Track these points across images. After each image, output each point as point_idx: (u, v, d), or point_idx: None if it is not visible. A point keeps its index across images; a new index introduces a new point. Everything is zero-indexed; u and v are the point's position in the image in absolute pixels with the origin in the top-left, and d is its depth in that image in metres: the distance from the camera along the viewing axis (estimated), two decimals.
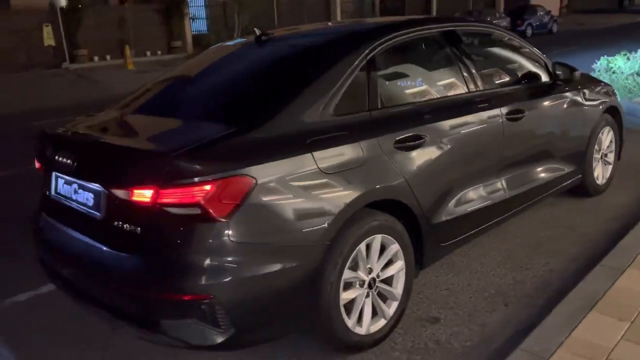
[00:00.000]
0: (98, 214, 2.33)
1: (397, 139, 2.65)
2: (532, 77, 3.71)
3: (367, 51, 2.73)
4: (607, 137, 4.45)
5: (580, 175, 4.17)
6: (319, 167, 2.34)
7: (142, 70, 16.84)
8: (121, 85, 14.81)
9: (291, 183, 2.26)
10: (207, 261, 2.10)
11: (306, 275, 2.30)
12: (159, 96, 3.04)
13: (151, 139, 2.48)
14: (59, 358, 2.77)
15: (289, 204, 2.25)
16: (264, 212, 2.19)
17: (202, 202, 2.07)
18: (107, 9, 19.03)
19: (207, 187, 2.08)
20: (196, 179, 2.07)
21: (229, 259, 2.13)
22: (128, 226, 2.21)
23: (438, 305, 3.03)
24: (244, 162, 2.16)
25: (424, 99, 2.99)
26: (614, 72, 8.59)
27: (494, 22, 23.08)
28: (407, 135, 2.70)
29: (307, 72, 2.58)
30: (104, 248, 2.30)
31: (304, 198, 2.29)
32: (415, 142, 2.72)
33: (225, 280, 2.12)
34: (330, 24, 3.86)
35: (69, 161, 2.46)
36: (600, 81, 4.63)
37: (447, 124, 2.92)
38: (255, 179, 2.15)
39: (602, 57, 9.45)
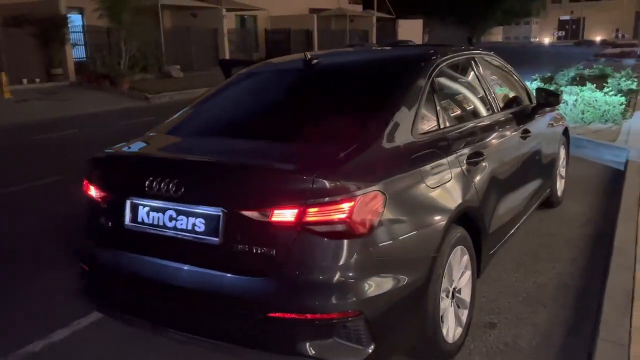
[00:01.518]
0: (216, 239, 2.20)
1: (468, 154, 2.84)
2: (523, 100, 4.14)
3: (429, 74, 2.90)
4: (562, 154, 5.04)
5: (550, 188, 4.68)
6: (425, 182, 2.44)
7: (22, 99, 15.39)
8: (1, 115, 13.43)
9: (408, 197, 2.34)
10: (353, 277, 2.10)
11: (422, 286, 2.37)
12: (229, 118, 2.93)
13: (273, 159, 2.36)
14: None
15: (408, 218, 2.32)
16: (394, 226, 2.24)
17: (347, 218, 2.07)
18: None
19: (351, 204, 2.08)
20: (341, 197, 2.07)
21: (371, 273, 2.14)
22: (260, 249, 2.13)
23: (486, 312, 3.23)
24: (377, 178, 2.20)
25: (474, 118, 3.23)
26: None
27: None
28: (474, 151, 2.90)
29: (394, 94, 2.68)
30: (227, 275, 2.18)
31: (417, 212, 2.38)
32: (478, 158, 2.93)
33: (370, 295, 2.12)
34: (365, 49, 3.99)
35: (165, 186, 2.28)
36: None
37: (494, 141, 3.19)
38: (385, 194, 2.20)
39: None
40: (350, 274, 2.10)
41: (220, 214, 2.20)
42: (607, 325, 2.77)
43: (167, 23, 23.48)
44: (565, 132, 5.04)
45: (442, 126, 2.84)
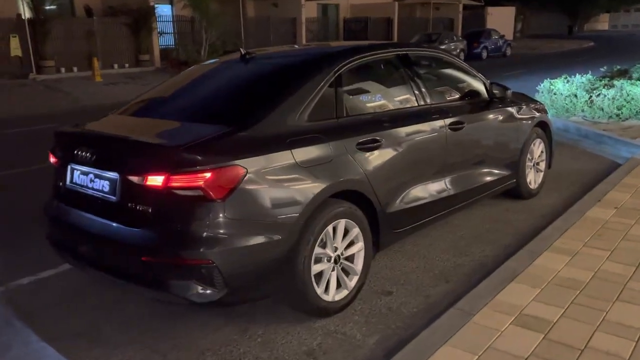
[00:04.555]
0: (113, 197, 2.83)
1: (359, 141, 3.25)
2: (472, 94, 4.39)
3: (334, 69, 3.33)
4: (538, 148, 5.17)
5: (514, 180, 4.86)
6: (296, 162, 2.90)
7: (110, 83, 17.13)
8: (89, 97, 15.07)
9: (274, 173, 2.81)
10: (207, 233, 2.63)
11: (285, 248, 2.84)
12: (160, 102, 3.56)
13: (160, 135, 2.98)
14: (73, 327, 3.22)
15: (272, 190, 2.80)
16: (253, 195, 2.73)
17: (204, 186, 2.60)
18: (75, 21, 19.27)
19: (208, 174, 2.61)
20: (199, 168, 2.61)
21: (225, 232, 2.66)
22: (140, 206, 2.72)
23: (391, 283, 3.62)
24: (237, 155, 2.70)
25: (380, 109, 3.61)
26: (554, 94, 9.50)
27: (452, 44, 24.30)
28: (367, 138, 3.30)
29: (287, 86, 3.15)
30: (119, 226, 2.80)
31: (284, 185, 2.85)
32: (373, 145, 3.32)
33: (222, 248, 2.64)
34: (303, 46, 4.45)
35: (86, 154, 2.95)
36: (533, 99, 5.36)
37: (399, 131, 3.54)
38: (245, 169, 2.70)
39: (545, 80, 10.39)
40: (204, 230, 2.62)
41: (117, 177, 2.81)
42: (471, 297, 3.09)
43: (250, 12, 24.67)
44: (542, 124, 5.15)
45: (338, 115, 3.26)
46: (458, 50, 24.45)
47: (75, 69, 18.41)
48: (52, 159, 3.32)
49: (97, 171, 2.93)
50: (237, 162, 2.69)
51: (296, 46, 4.48)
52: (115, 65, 19.36)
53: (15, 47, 17.09)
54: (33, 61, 17.52)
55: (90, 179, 2.98)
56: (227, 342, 3.00)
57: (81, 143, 3.05)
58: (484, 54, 26.18)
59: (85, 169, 3.01)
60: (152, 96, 3.68)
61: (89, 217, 2.98)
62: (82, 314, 3.35)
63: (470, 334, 2.71)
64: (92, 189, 2.96)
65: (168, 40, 22.01)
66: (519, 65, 21.62)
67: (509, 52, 28.03)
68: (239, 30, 22.54)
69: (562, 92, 9.39)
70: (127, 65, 19.71)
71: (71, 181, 3.12)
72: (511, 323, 2.80)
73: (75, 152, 3.02)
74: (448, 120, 3.94)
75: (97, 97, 15.14)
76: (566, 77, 10.87)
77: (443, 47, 22.99)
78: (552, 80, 10.69)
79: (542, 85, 10.04)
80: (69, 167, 3.13)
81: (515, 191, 4.99)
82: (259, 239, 2.75)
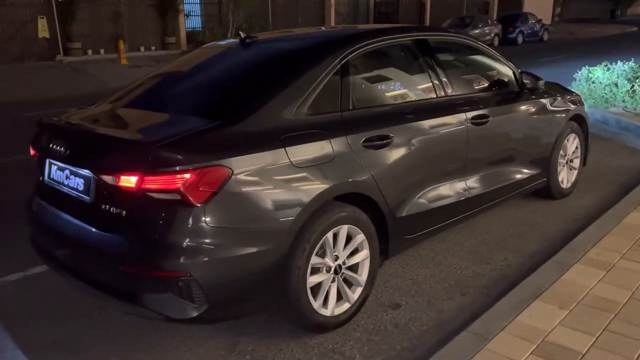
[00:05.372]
0: (87, 198, 2.55)
1: (365, 137, 2.89)
2: (499, 84, 3.96)
3: (340, 57, 2.96)
4: (572, 143, 4.71)
5: (545, 179, 4.44)
6: (291, 161, 2.57)
7: (135, 65, 16.99)
8: (114, 79, 14.97)
9: (265, 174, 2.48)
10: (185, 242, 2.32)
11: (276, 258, 2.52)
12: (149, 91, 3.25)
13: (139, 130, 2.70)
14: (53, 334, 2.98)
15: (262, 194, 2.48)
16: (239, 200, 2.42)
17: (182, 189, 2.29)
18: (102, 2, 19.12)
19: (187, 176, 2.30)
20: (177, 168, 2.29)
21: (205, 241, 2.35)
22: (114, 209, 2.44)
23: (401, 293, 3.28)
24: (221, 154, 2.38)
25: (392, 102, 3.23)
26: (593, 82, 8.89)
27: (486, 29, 23.42)
28: (375, 134, 2.93)
29: (285, 74, 2.81)
30: (92, 229, 2.52)
31: (276, 188, 2.51)
32: (382, 142, 2.96)
33: (201, 259, 2.34)
34: (310, 30, 4.06)
35: (62, 149, 2.68)
36: (568, 90, 4.89)
37: (413, 125, 3.16)
38: (231, 169, 2.38)
39: (583, 67, 9.75)
40: (182, 239, 2.31)
41: (90, 176, 2.53)
42: (488, 318, 2.73)
43: None
44: (577, 118, 4.68)
45: (343, 108, 2.90)
46: (492, 35, 23.54)
47: (102, 51, 18.36)
48: (32, 152, 3.06)
49: (72, 168, 2.66)
50: (221, 161, 2.37)
51: (306, 30, 4.07)
52: (142, 48, 19.23)
53: (42, 29, 17.11)
54: (60, 43, 17.52)
55: (66, 175, 2.71)
56: (213, 357, 2.72)
57: (57, 136, 2.78)
58: (520, 39, 25.15)
59: (61, 164, 2.74)
60: (144, 84, 3.37)
61: (64, 217, 2.71)
62: (66, 318, 3.11)
63: None
64: (68, 186, 2.69)
65: (195, 23, 21.76)
66: (556, 51, 20.68)
67: (546, 36, 26.87)
68: (267, 13, 22.14)
69: (602, 81, 8.78)
70: (153, 47, 19.57)
71: (49, 177, 2.86)
72: (532, 352, 2.43)
73: (52, 145, 2.76)
74: (470, 114, 3.53)
75: (123, 80, 15.01)
76: (606, 65, 10.19)
77: (476, 31, 22.17)
78: (590, 68, 10.03)
79: (579, 73, 9.42)
80: (47, 161, 2.87)
81: (545, 191, 4.56)
82: (246, 249, 2.44)
